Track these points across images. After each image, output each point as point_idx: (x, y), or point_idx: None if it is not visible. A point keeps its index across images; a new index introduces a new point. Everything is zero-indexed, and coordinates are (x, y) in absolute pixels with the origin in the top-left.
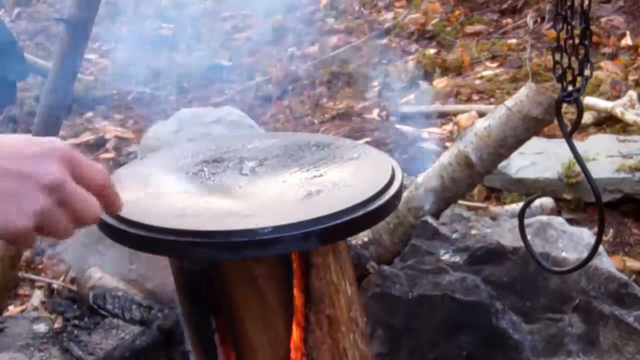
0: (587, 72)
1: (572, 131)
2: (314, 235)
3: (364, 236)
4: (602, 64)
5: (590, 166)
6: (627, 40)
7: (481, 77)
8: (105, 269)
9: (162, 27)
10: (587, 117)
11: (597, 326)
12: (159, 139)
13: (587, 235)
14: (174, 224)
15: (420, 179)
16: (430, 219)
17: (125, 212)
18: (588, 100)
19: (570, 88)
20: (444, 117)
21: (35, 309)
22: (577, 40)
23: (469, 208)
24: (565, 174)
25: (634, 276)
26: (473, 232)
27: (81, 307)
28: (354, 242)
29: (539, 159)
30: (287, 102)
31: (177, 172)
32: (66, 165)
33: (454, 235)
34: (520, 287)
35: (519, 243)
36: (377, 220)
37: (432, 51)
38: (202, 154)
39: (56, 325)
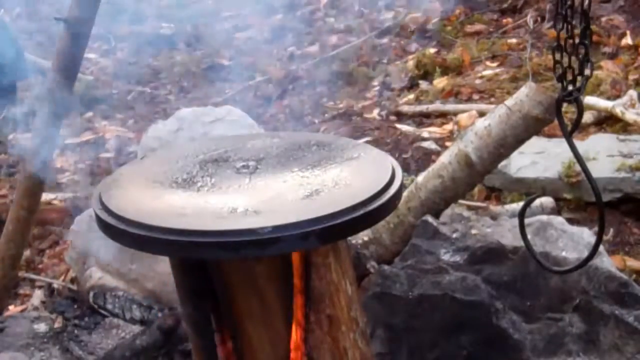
0: (587, 71)
1: (572, 131)
2: (313, 234)
3: (364, 235)
4: (602, 63)
5: (590, 166)
6: (628, 40)
7: (481, 77)
8: (105, 269)
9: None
10: (587, 117)
11: (598, 326)
12: (159, 139)
13: (587, 234)
14: (173, 223)
15: (420, 178)
16: (430, 219)
17: (125, 212)
18: (588, 99)
19: (570, 87)
20: (444, 116)
21: (36, 308)
22: (577, 40)
23: (469, 207)
24: (566, 174)
25: (634, 276)
26: (473, 231)
27: (81, 307)
28: (354, 241)
29: (539, 158)
30: (287, 101)
31: (177, 171)
32: None
33: (454, 235)
34: (520, 287)
35: (519, 242)
36: (377, 220)
37: (432, 50)
38: (202, 153)
39: (56, 325)
